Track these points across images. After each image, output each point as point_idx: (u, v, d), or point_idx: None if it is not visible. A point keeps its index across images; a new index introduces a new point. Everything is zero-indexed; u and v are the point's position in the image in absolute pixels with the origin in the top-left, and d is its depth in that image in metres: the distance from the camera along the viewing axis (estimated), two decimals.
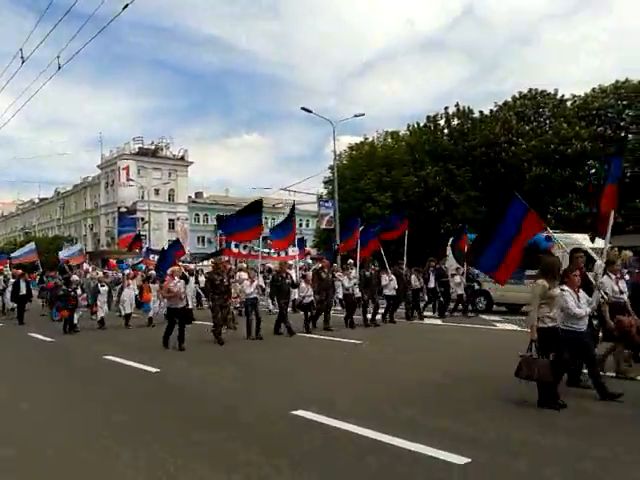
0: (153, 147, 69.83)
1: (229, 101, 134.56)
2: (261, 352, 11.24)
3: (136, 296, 16.85)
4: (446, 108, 38.75)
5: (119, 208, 65.83)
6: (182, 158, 71.49)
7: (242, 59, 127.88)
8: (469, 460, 4.46)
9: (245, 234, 14.63)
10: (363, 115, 35.05)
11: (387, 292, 15.68)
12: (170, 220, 69.14)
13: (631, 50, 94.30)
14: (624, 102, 31.84)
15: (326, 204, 40.37)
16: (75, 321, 14.96)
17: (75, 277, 16.21)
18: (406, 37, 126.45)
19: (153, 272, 17.47)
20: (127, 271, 17.77)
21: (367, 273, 15.27)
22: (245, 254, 18.06)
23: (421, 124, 40.01)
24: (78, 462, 4.81)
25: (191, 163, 72.33)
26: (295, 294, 15.20)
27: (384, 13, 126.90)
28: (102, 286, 16.28)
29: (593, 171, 31.58)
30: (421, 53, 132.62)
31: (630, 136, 31.12)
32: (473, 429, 5.37)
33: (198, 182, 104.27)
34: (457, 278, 17.63)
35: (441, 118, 39.04)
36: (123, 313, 16.09)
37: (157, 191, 67.35)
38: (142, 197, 65.01)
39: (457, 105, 38.37)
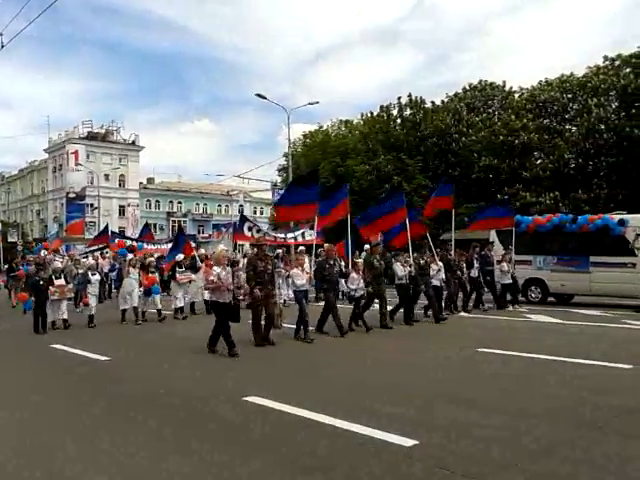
0: (103, 131, 68.19)
1: (182, 85, 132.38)
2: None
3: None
4: (399, 98, 39.30)
5: (67, 194, 64.18)
6: (133, 143, 70.10)
7: (195, 43, 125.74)
8: (416, 442, 4.63)
9: (301, 210, 12.34)
10: (317, 103, 35.15)
11: (435, 282, 13.34)
12: (120, 206, 67.86)
13: (576, 45, 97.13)
14: (569, 95, 32.95)
15: (280, 192, 40.43)
16: (53, 318, 12.72)
17: (57, 264, 14.29)
18: (360, 26, 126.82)
19: (151, 259, 15.26)
20: (130, 256, 15.36)
21: (422, 261, 13.28)
22: (258, 238, 16.86)
23: (374, 113, 40.45)
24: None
25: (142, 148, 71.05)
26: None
27: (338, 1, 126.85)
28: (93, 274, 14.06)
29: (539, 162, 32.61)
30: (375, 43, 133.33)
31: (574, 129, 32.29)
32: (424, 414, 5.56)
33: (149, 168, 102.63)
34: (504, 265, 15.45)
35: (394, 108, 39.56)
36: (123, 307, 13.71)
37: (107, 176, 65.91)
38: (91, 182, 63.59)
39: (409, 95, 38.93)
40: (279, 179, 45.26)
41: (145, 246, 19.06)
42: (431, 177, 35.30)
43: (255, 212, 77.44)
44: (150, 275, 13.94)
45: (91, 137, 66.72)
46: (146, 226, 22.89)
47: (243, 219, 16.98)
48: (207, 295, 9.25)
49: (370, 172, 35.96)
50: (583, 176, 31.02)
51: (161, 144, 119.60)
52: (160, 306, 13.95)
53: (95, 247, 22.86)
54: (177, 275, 14.82)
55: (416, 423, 5.20)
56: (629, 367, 7.60)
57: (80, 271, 15.28)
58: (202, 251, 17.18)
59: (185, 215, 73.10)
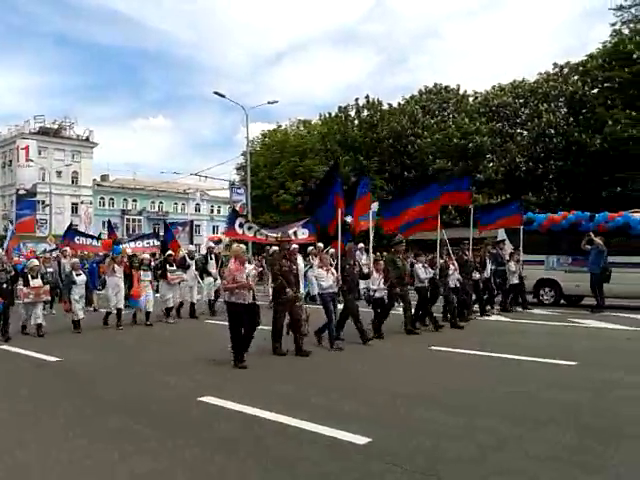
0: (56, 126, 66.38)
1: (138, 81, 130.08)
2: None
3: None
4: (356, 99, 39.79)
5: (18, 190, 62.25)
6: (87, 139, 68.53)
7: (152, 38, 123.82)
8: (370, 440, 4.78)
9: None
10: (276, 102, 35.16)
11: (450, 284, 12.41)
12: (73, 204, 66.23)
13: (527, 51, 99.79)
14: (520, 100, 33.98)
15: (238, 191, 40.28)
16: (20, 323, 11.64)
17: (35, 261, 12.52)
18: (319, 27, 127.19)
19: (146, 255, 14.12)
20: (121, 249, 14.14)
21: (442, 261, 12.41)
22: (250, 236, 15.46)
23: (333, 114, 40.77)
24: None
25: (96, 144, 69.50)
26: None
27: (298, 1, 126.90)
28: (78, 275, 12.62)
29: (491, 164, 33.46)
30: (334, 44, 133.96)
31: (525, 133, 33.28)
32: (379, 412, 5.71)
33: (104, 165, 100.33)
34: (512, 265, 14.89)
35: (351, 109, 39.99)
36: (109, 309, 12.74)
37: (59, 173, 64.21)
38: (43, 179, 61.85)
39: (367, 97, 39.44)
40: (237, 178, 45.11)
41: (132, 245, 18.33)
42: (387, 179, 35.86)
43: (212, 211, 76.81)
44: (143, 277, 13.09)
45: (43, 132, 64.89)
46: (109, 225, 21.77)
47: (235, 215, 15.93)
48: (226, 296, 8.26)
49: None
50: (533, 179, 32.01)
51: (116, 141, 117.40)
52: (151, 309, 13.13)
53: (53, 247, 22.15)
54: (168, 275, 13.82)
55: (371, 421, 5.36)
56: (575, 364, 8.01)
57: (49, 270, 14.06)
58: (191, 248, 16.45)
59: (140, 213, 71.88)
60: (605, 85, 30.32)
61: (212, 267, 15.20)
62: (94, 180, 70.66)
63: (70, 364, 8.71)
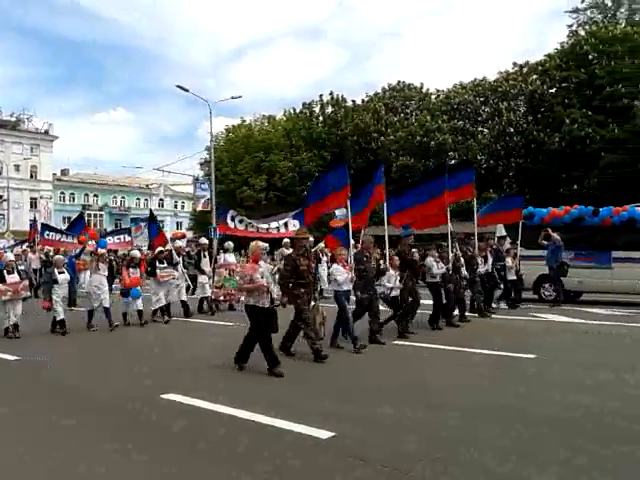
0: (13, 119, 64.62)
1: (99, 74, 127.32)
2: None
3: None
4: (321, 96, 39.89)
5: None
6: (46, 132, 66.89)
7: (113, 31, 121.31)
8: (333, 434, 4.88)
9: (331, 200, 10.33)
10: (240, 97, 34.95)
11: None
12: (32, 199, 64.65)
13: (487, 50, 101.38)
14: (481, 99, 34.61)
15: (202, 186, 39.95)
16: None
17: (9, 256, 11.65)
18: (284, 23, 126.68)
19: (135, 252, 13.42)
20: (102, 250, 13.14)
21: (452, 255, 11.87)
22: (242, 230, 14.75)
23: (297, 110, 40.83)
24: None
25: (56, 138, 67.90)
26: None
27: None
28: (61, 273, 11.55)
29: (452, 162, 33.96)
30: (299, 40, 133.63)
31: (486, 131, 33.92)
32: (342, 407, 5.80)
33: (64, 159, 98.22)
34: (509, 260, 14.46)
35: (316, 105, 40.12)
36: (89, 308, 11.92)
37: (17, 167, 62.56)
38: (0, 173, 60.26)
39: (331, 93, 39.61)
40: (201, 173, 44.80)
41: (110, 240, 17.13)
42: (352, 175, 36.06)
43: (176, 206, 75.96)
44: (132, 274, 12.43)
45: (0, 125, 63.20)
46: (80, 218, 20.86)
47: (225, 209, 15.62)
48: (244, 298, 7.65)
49: (292, 169, 36.31)
50: (494, 176, 32.65)
51: (76, 134, 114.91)
52: (142, 307, 12.43)
53: (18, 242, 21.41)
54: (158, 272, 13.02)
55: (334, 416, 5.46)
56: (533, 357, 8.28)
57: (21, 267, 13.08)
58: (179, 243, 15.35)
59: (101, 209, 70.62)
60: (563, 85, 31.16)
61: (206, 265, 14.63)
62: (54, 175, 69.10)
63: (31, 364, 8.59)
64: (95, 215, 67.34)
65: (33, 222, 20.32)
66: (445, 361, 8.41)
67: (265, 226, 14.83)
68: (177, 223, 72.44)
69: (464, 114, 35.01)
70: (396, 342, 9.65)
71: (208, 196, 36.55)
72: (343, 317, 9.06)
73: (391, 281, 10.06)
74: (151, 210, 16.88)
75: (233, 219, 14.58)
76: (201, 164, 45.42)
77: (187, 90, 32.46)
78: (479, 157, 32.79)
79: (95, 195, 71.47)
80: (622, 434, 4.93)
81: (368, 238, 10.20)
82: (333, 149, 36.78)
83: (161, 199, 74.99)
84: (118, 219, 71.95)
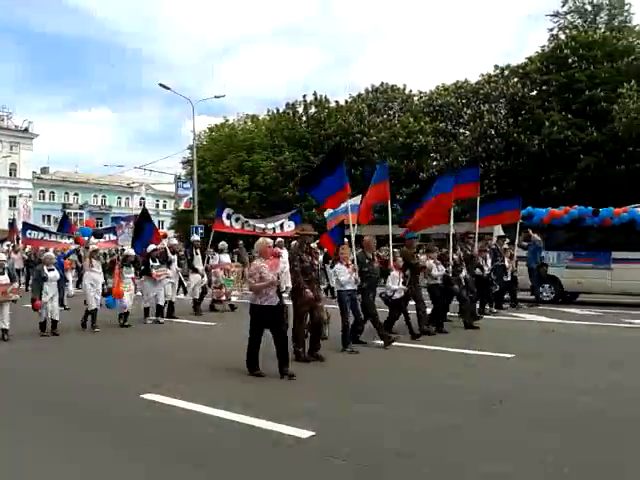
0: None
1: (79, 71, 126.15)
2: None
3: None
4: (304, 96, 39.94)
5: None
6: (26, 130, 66.08)
7: (96, 28, 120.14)
8: (313, 433, 4.93)
9: (334, 200, 10.33)
10: (223, 96, 34.88)
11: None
12: (11, 197, 63.87)
13: (471, 52, 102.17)
14: (463, 101, 34.88)
15: (184, 185, 39.76)
16: None
17: (1, 255, 11.14)
18: (269, 23, 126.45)
19: (130, 251, 12.79)
20: (94, 246, 12.65)
21: (455, 256, 11.59)
22: (238, 228, 14.65)
23: (280, 110, 40.82)
24: None
25: (36, 136, 67.09)
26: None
27: None
28: (50, 270, 11.03)
29: (434, 163, 34.22)
30: (283, 40, 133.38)
31: (467, 133, 34.19)
32: (323, 407, 5.87)
33: (44, 157, 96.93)
34: (506, 261, 14.22)
35: (299, 105, 40.15)
36: (90, 308, 11.57)
37: None
38: None
39: (315, 94, 39.66)
40: (183, 172, 44.57)
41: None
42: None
43: (158, 205, 75.42)
44: (127, 273, 12.13)
45: None
46: (65, 218, 20.52)
47: (222, 205, 15.39)
48: (251, 298, 7.33)
49: (275, 168, 36.29)
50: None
51: (57, 132, 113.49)
52: (128, 309, 12.21)
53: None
54: (153, 271, 12.68)
55: (315, 415, 5.51)
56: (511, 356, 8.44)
57: (16, 266, 12.89)
58: (174, 241, 14.96)
59: (82, 207, 69.90)
60: (543, 88, 31.47)
61: (198, 263, 14.41)
62: (34, 173, 68.30)
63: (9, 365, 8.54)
64: (75, 214, 66.55)
65: (12, 221, 19.95)
66: (429, 361, 8.53)
67: (262, 226, 14.84)
68: (159, 222, 71.72)
69: (446, 116, 35.25)
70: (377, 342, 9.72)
71: (190, 195, 36.40)
72: (342, 318, 8.86)
73: (394, 282, 9.89)
74: (145, 209, 16.72)
75: (229, 217, 14.50)
76: (183, 163, 45.23)
77: (169, 88, 32.36)
78: (460, 159, 32.99)
79: (75, 194, 70.76)
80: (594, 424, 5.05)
81: (370, 238, 9.95)
82: (316, 149, 36.83)
83: (142, 198, 74.37)
84: (99, 218, 71.22)
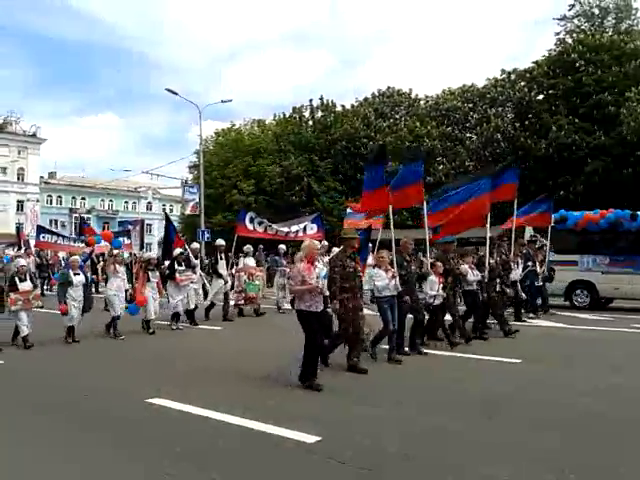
0: (0, 121, 64.24)
1: (87, 76, 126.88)
2: None
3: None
4: (310, 100, 40.01)
5: None
6: (34, 135, 66.48)
7: (103, 33, 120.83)
8: (319, 438, 4.92)
9: (373, 198, 9.42)
10: (230, 101, 35.14)
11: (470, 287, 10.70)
12: (19, 201, 64.21)
13: (478, 57, 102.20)
14: (469, 105, 34.82)
15: (191, 189, 39.83)
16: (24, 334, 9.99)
17: (22, 261, 10.96)
18: (275, 27, 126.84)
19: (152, 254, 12.52)
20: (116, 251, 12.49)
21: (492, 261, 11.18)
22: (261, 232, 14.42)
23: (287, 114, 40.88)
24: None
25: (44, 140, 67.52)
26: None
27: (253, 1, 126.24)
28: (76, 274, 10.75)
29: (441, 167, 34.14)
30: (290, 44, 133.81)
31: (474, 137, 34.12)
32: (331, 411, 5.87)
33: (52, 161, 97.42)
34: (536, 267, 13.82)
35: (306, 110, 40.19)
36: (115, 314, 11.35)
37: (4, 169, 62.18)
38: None
39: (321, 98, 39.72)
40: (190, 176, 44.71)
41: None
42: (341, 180, 36.21)
43: (164, 210, 75.59)
44: (153, 278, 11.88)
45: None
46: (83, 221, 20.52)
47: (245, 209, 15.15)
48: (296, 303, 6.98)
49: (281, 174, 36.31)
50: None
51: (64, 137, 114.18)
52: (154, 316, 11.96)
53: (6, 244, 21.25)
54: (177, 276, 12.42)
55: (322, 420, 5.50)
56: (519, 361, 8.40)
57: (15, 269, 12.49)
58: (196, 245, 14.67)
59: (89, 212, 70.22)
60: (550, 92, 31.38)
61: (222, 268, 14.06)
62: (41, 177, 68.69)
63: (18, 367, 8.56)
64: (82, 218, 66.83)
65: (20, 226, 20.09)
66: (438, 366, 8.47)
67: (284, 229, 14.74)
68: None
69: (453, 120, 35.19)
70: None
71: (197, 200, 36.45)
72: (384, 326, 8.46)
73: (433, 288, 9.43)
74: (166, 212, 16.49)
75: (252, 220, 14.33)
76: (190, 167, 45.34)
77: (176, 93, 32.42)
78: (467, 163, 32.97)
79: (83, 198, 71.11)
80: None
81: (407, 240, 9.47)
82: (322, 153, 36.81)
83: (149, 202, 74.63)
84: (106, 222, 71.61)
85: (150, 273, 11.85)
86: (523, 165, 30.76)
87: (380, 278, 8.39)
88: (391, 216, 9.25)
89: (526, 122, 31.59)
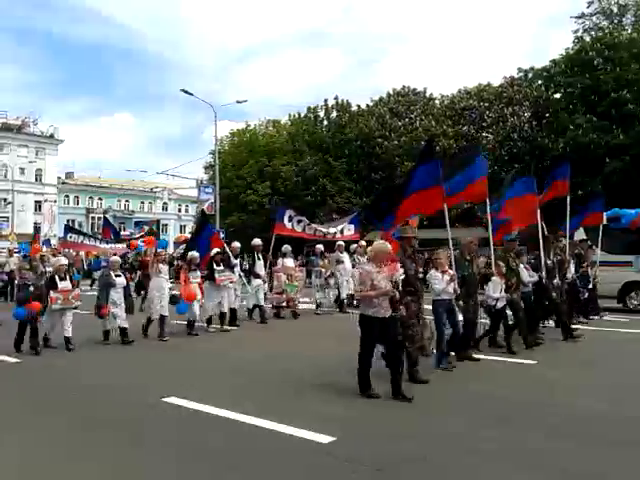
0: (19, 122, 64.94)
1: (103, 78, 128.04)
2: None
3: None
4: (325, 100, 39.93)
5: None
6: (51, 136, 67.21)
7: (119, 34, 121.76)
8: (334, 439, 4.88)
9: (424, 198, 8.52)
10: (246, 101, 35.20)
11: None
12: (37, 202, 64.91)
13: (494, 55, 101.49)
14: (485, 104, 34.51)
15: (206, 190, 40.02)
16: (43, 334, 9.71)
17: (62, 259, 10.71)
18: (290, 27, 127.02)
19: (195, 253, 11.85)
20: (160, 250, 12.12)
21: (549, 262, 10.58)
22: (299, 232, 13.91)
23: (302, 114, 40.86)
24: None
25: (61, 141, 68.25)
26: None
27: (269, 1, 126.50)
28: (117, 276, 10.49)
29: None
30: (304, 44, 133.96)
31: (490, 136, 33.84)
32: (346, 411, 5.82)
33: (69, 162, 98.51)
34: (587, 269, 12.92)
35: (321, 110, 40.13)
36: (154, 316, 10.97)
37: (22, 170, 62.90)
38: (5, 176, 60.52)
39: (336, 98, 39.62)
40: (205, 177, 44.89)
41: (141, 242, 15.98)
42: (355, 180, 36.11)
43: (180, 210, 76.10)
44: (194, 278, 11.33)
45: (5, 128, 63.36)
46: (106, 221, 20.43)
47: (284, 207, 14.69)
48: (361, 307, 6.52)
49: (296, 173, 36.30)
50: (499, 182, 32.47)
51: (81, 138, 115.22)
52: (197, 317, 11.51)
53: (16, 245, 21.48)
54: (216, 276, 11.85)
55: (337, 420, 5.45)
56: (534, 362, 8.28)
57: (48, 269, 11.63)
58: (237, 244, 13.56)
59: (106, 212, 70.79)
60: (568, 90, 31.05)
61: (260, 268, 13.55)
62: (59, 178, 69.39)
63: (34, 365, 8.57)
64: (99, 218, 67.47)
65: (38, 225, 20.29)
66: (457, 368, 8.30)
67: (323, 229, 14.47)
68: (181, 226, 72.52)
69: (469, 119, 34.91)
70: None
71: (212, 200, 36.59)
72: (437, 331, 7.95)
73: (497, 290, 8.97)
74: (203, 210, 16.10)
75: (291, 219, 13.91)
76: (205, 168, 45.52)
77: (191, 94, 32.58)
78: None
79: (99, 198, 71.72)
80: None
81: (470, 239, 8.98)
82: (337, 153, 36.70)
83: (165, 203, 75.15)
84: (122, 222, 72.15)
85: (192, 273, 11.38)
86: (540, 165, 30.54)
87: (437, 281, 7.84)
88: (446, 215, 8.52)
89: (543, 121, 31.30)
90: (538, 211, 10.71)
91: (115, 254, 14.87)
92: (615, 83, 28.67)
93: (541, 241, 10.64)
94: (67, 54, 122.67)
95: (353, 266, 14.00)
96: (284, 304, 13.96)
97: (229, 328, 12.04)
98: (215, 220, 33.33)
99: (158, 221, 34.43)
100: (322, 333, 11.71)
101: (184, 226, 70.85)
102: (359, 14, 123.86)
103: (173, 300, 11.18)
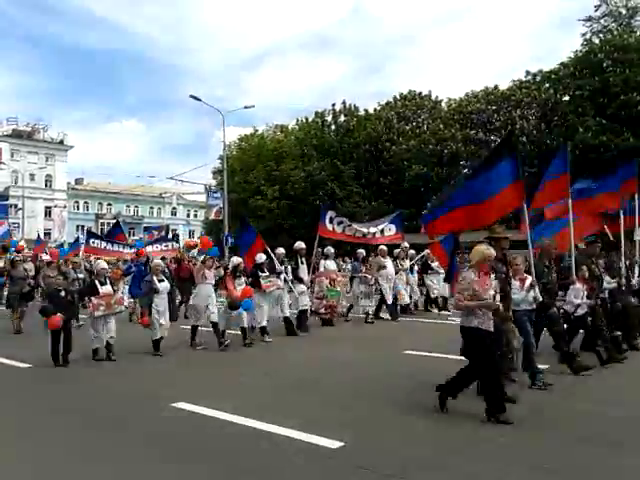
0: (29, 129, 65.52)
1: (112, 84, 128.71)
2: None
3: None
4: (333, 105, 40.03)
5: None
6: (61, 142, 67.73)
7: (128, 41, 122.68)
8: (343, 444, 4.86)
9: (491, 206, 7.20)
10: (253, 107, 35.25)
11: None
12: (47, 207, 65.39)
13: (501, 59, 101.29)
14: (493, 107, 34.46)
15: (215, 195, 40.19)
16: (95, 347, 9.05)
17: (102, 263, 10.06)
18: (297, 32, 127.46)
19: (239, 259, 11.34)
20: (201, 257, 11.67)
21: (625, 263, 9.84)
22: (339, 233, 13.39)
23: (309, 119, 40.96)
24: None
25: (71, 147, 68.77)
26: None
27: (275, 6, 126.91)
28: (161, 281, 9.80)
29: (465, 170, 33.86)
30: (312, 49, 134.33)
31: (498, 140, 33.72)
32: (355, 416, 5.80)
33: (78, 168, 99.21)
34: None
35: (328, 114, 40.22)
36: (195, 323, 10.38)
37: (32, 176, 63.42)
38: (15, 182, 61.02)
39: (344, 102, 39.72)
40: (214, 182, 45.08)
41: (149, 249, 15.50)
42: (364, 184, 36.12)
43: (189, 215, 76.38)
44: (239, 285, 10.56)
45: (16, 135, 63.96)
46: (117, 225, 20.14)
47: (326, 208, 13.96)
48: (464, 319, 5.86)
49: (304, 178, 36.38)
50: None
51: (90, 144, 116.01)
52: (247, 324, 10.65)
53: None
54: (262, 282, 11.23)
55: (346, 425, 5.42)
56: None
57: (80, 275, 11.33)
58: (281, 250, 12.68)
59: (115, 217, 71.12)
60: (576, 93, 30.93)
61: (304, 273, 12.82)
62: (68, 184, 69.86)
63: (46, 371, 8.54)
64: (108, 224, 67.87)
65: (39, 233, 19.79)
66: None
67: (364, 230, 13.85)
68: (190, 231, 72.75)
69: (476, 122, 34.86)
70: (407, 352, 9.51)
71: (220, 205, 36.71)
72: (527, 342, 7.22)
73: (578, 296, 8.35)
74: (244, 216, 15.50)
75: (332, 220, 13.37)
76: (214, 173, 45.73)
77: (200, 100, 32.72)
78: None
79: (109, 204, 72.11)
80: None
81: (548, 243, 8.32)
82: (345, 157, 36.74)
83: (174, 208, 75.47)
84: (131, 228, 72.41)
85: (237, 280, 10.71)
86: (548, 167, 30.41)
87: (515, 290, 7.14)
88: (526, 215, 7.65)
89: (552, 124, 31.17)
90: (622, 213, 10.01)
91: (163, 257, 14.54)
92: (624, 85, 28.56)
93: (622, 243, 9.89)
94: (77, 61, 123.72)
95: (396, 272, 13.90)
96: (322, 310, 13.10)
97: (268, 340, 11.00)
98: (224, 224, 33.47)
99: (167, 226, 34.40)
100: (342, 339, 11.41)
101: (193, 231, 71.05)
102: (366, 18, 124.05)
103: (232, 306, 10.44)
